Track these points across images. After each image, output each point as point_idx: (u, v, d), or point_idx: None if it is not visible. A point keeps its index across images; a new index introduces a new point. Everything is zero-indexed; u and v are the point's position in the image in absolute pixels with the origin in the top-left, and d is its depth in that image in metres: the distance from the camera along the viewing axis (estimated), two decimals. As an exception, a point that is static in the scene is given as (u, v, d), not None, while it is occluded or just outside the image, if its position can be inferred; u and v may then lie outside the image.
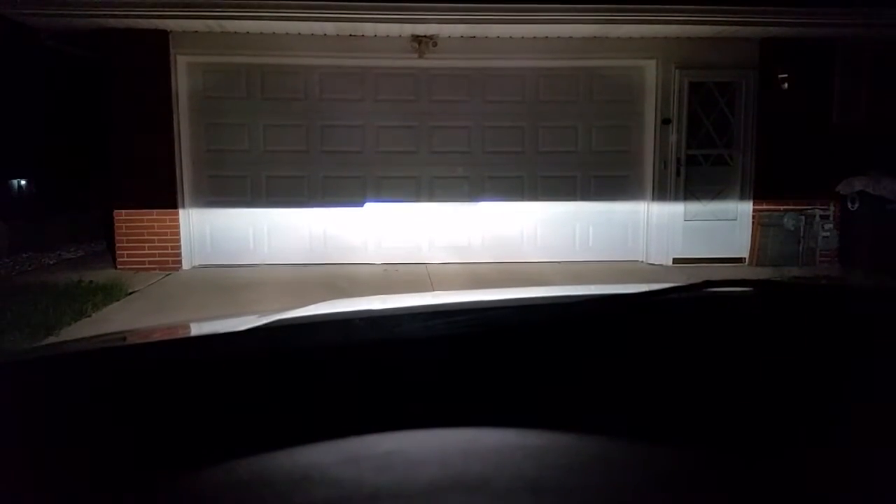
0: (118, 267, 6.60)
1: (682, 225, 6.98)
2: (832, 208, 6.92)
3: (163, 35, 6.36)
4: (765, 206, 6.95)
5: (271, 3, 5.75)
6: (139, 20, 5.99)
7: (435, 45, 6.50)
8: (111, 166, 6.57)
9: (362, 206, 6.97)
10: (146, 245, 6.61)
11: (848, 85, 6.88)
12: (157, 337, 1.27)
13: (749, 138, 6.90)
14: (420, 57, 6.55)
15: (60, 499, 0.56)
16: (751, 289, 1.06)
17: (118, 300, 5.30)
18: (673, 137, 6.84)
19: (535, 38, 6.59)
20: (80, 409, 0.71)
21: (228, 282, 6.09)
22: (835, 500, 0.51)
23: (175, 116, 6.55)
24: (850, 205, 6.70)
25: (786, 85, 6.67)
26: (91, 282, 5.75)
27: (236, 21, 6.04)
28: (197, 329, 1.30)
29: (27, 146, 11.77)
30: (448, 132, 6.94)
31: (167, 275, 6.41)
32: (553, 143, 7.03)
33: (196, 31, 6.38)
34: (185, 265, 6.72)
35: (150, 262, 6.58)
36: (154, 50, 6.37)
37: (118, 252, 6.66)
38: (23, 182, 13.47)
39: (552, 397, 0.71)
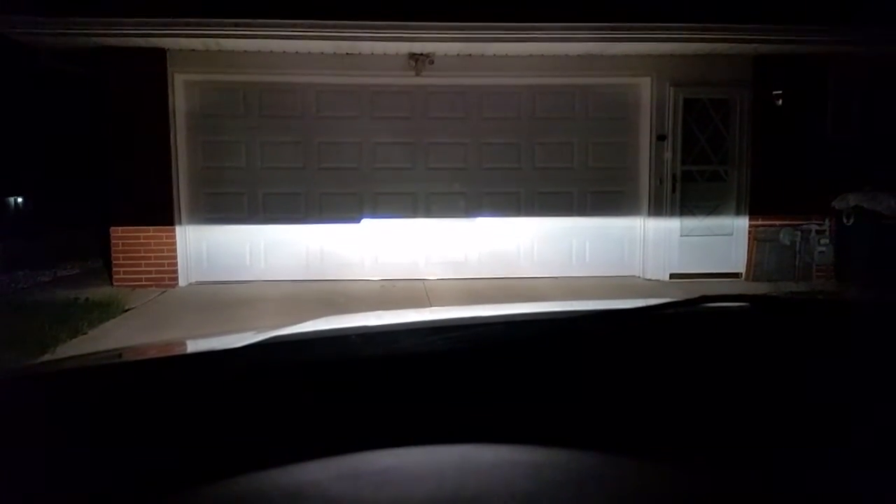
0: (114, 284, 6.59)
1: (678, 240, 6.99)
2: (828, 223, 6.94)
3: (160, 53, 6.40)
4: (761, 222, 6.98)
5: (269, 22, 5.79)
6: (136, 39, 6.03)
7: (432, 62, 6.54)
8: (108, 183, 6.58)
9: (359, 222, 6.97)
10: (142, 262, 6.60)
11: (842, 101, 6.93)
12: (153, 354, 1.27)
13: (744, 154, 6.94)
14: (417, 75, 6.59)
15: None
16: (747, 304, 1.06)
17: (114, 317, 5.28)
18: (668, 154, 6.88)
19: (531, 55, 6.64)
20: (75, 427, 0.71)
21: (225, 298, 6.08)
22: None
23: (172, 134, 6.57)
24: (845, 220, 6.73)
25: (780, 101, 6.72)
26: (87, 299, 5.73)
27: (234, 40, 6.08)
28: (193, 346, 1.30)
29: (24, 163, 11.78)
30: (445, 149, 6.96)
31: (163, 292, 6.40)
32: (549, 159, 7.06)
33: (193, 50, 6.42)
34: (182, 282, 6.70)
35: (146, 280, 6.57)
36: (151, 68, 6.39)
37: (114, 269, 6.65)
38: (19, 199, 13.48)
39: (548, 413, 0.71)
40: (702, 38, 6.21)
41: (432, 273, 6.99)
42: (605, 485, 0.49)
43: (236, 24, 5.80)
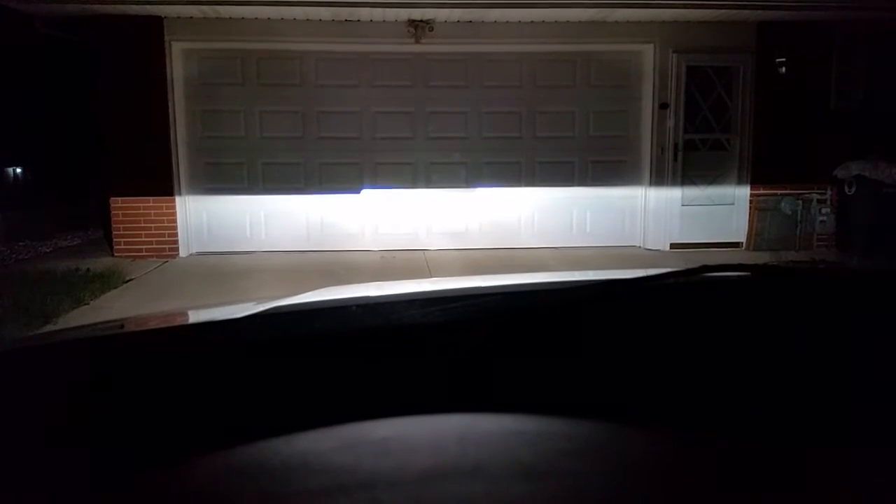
0: (115, 255, 6.60)
1: (679, 210, 6.98)
2: (829, 192, 6.92)
3: (157, 21, 6.31)
4: (762, 191, 6.95)
5: (266, -12, 5.71)
6: (133, 6, 5.94)
7: (431, 29, 6.46)
8: (107, 154, 6.55)
9: (359, 192, 6.95)
10: (143, 233, 6.60)
11: (846, 69, 6.86)
12: (154, 324, 1.27)
13: (746, 123, 6.88)
14: (416, 42, 6.51)
15: (58, 488, 0.56)
16: (748, 273, 1.06)
17: (116, 288, 5.30)
18: (670, 122, 6.82)
19: (532, 22, 6.55)
20: (77, 398, 0.71)
21: (226, 269, 6.09)
22: (833, 486, 0.51)
23: (170, 103, 6.52)
24: (847, 189, 6.70)
25: (783, 69, 6.65)
26: (88, 270, 5.74)
27: (231, 6, 6.00)
28: (194, 316, 1.30)
29: (23, 134, 11.71)
30: (445, 118, 6.91)
31: (164, 262, 6.41)
32: (550, 128, 7.01)
33: (191, 17, 6.33)
34: (183, 252, 6.71)
35: (147, 250, 6.58)
36: (149, 36, 6.32)
37: (115, 240, 6.66)
38: (18, 170, 13.44)
39: (548, 383, 0.71)
40: (706, 4, 6.12)
41: (433, 243, 6.99)
42: (606, 455, 0.49)
43: (233, -9, 5.72)
